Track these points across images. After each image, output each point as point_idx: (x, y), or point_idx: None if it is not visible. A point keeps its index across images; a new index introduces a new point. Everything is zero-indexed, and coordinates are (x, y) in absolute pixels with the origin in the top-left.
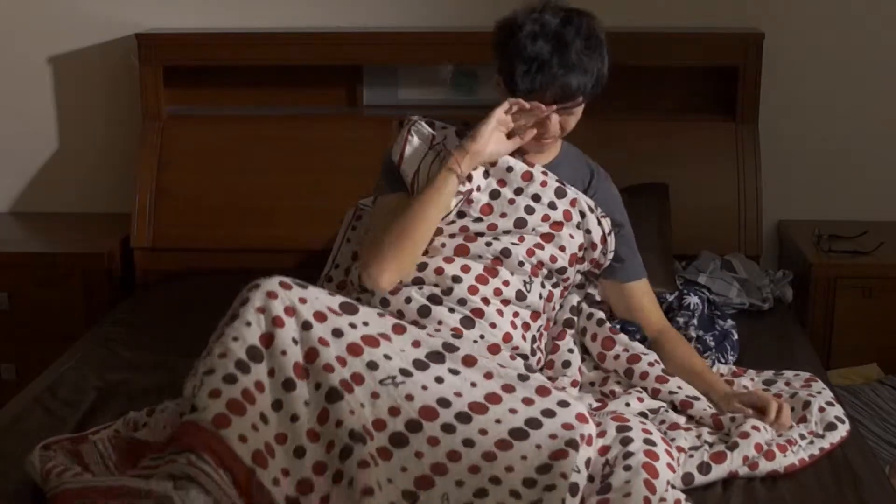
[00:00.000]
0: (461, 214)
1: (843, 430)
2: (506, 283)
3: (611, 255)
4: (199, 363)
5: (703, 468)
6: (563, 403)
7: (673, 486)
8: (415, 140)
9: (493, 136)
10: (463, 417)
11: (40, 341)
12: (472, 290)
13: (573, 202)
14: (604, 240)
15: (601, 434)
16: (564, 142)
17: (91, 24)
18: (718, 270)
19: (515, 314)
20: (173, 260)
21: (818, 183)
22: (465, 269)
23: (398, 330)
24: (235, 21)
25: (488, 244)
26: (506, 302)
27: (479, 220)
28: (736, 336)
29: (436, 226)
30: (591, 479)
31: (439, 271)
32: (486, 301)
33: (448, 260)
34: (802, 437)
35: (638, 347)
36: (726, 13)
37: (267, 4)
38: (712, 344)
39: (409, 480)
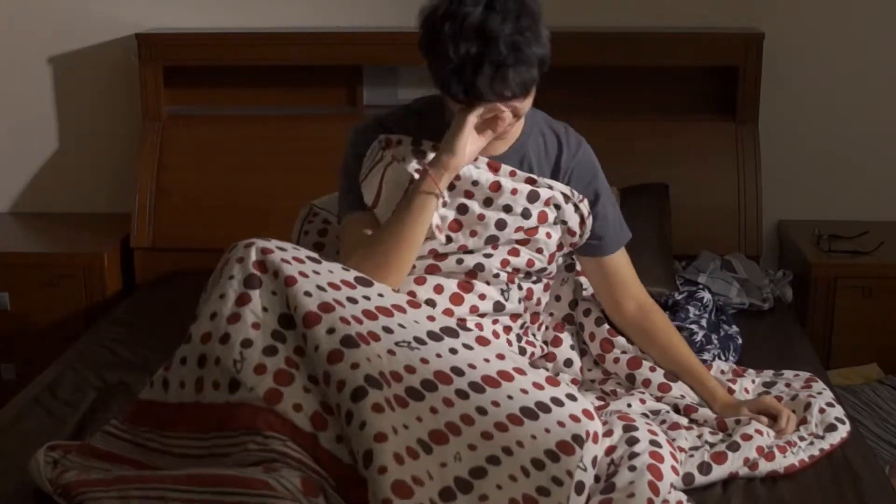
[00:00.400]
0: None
1: (843, 431)
2: (482, 296)
3: (587, 236)
4: (223, 326)
5: (704, 468)
6: (572, 397)
7: (674, 488)
8: (391, 184)
9: (472, 140)
10: (476, 387)
11: (40, 341)
12: (448, 313)
13: (548, 201)
14: (582, 224)
15: (608, 433)
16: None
17: (91, 24)
18: (718, 270)
19: (495, 321)
20: (173, 260)
21: (818, 183)
22: (438, 289)
23: (413, 304)
24: (235, 21)
25: (459, 261)
26: (483, 315)
27: (447, 239)
28: (740, 341)
29: (419, 247)
30: (596, 478)
31: (412, 295)
32: (462, 321)
33: (419, 280)
34: (802, 438)
35: (636, 349)
36: (726, 13)
37: (267, 4)
38: (715, 340)
39: (424, 431)
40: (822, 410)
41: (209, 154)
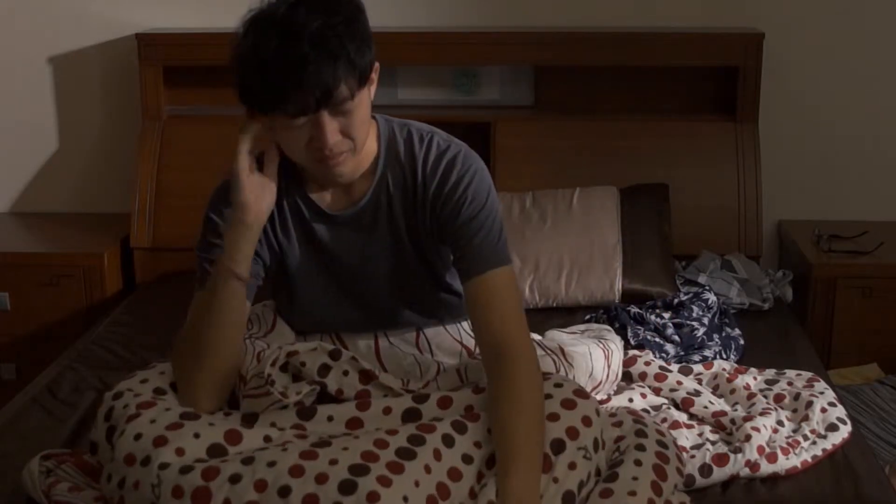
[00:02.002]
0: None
1: (844, 431)
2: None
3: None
4: (147, 448)
5: (705, 470)
6: (558, 385)
7: (677, 489)
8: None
9: (258, 185)
10: (459, 426)
11: (40, 341)
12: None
13: (438, 371)
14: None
15: (618, 424)
16: (382, 137)
17: (91, 24)
18: (718, 270)
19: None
20: (173, 260)
21: (818, 183)
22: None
23: (363, 406)
24: (235, 21)
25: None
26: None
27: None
28: (742, 342)
29: (235, 328)
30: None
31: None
32: (417, 395)
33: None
34: (805, 437)
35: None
36: (726, 13)
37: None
38: (717, 338)
39: (422, 498)
40: (823, 410)
41: (209, 154)
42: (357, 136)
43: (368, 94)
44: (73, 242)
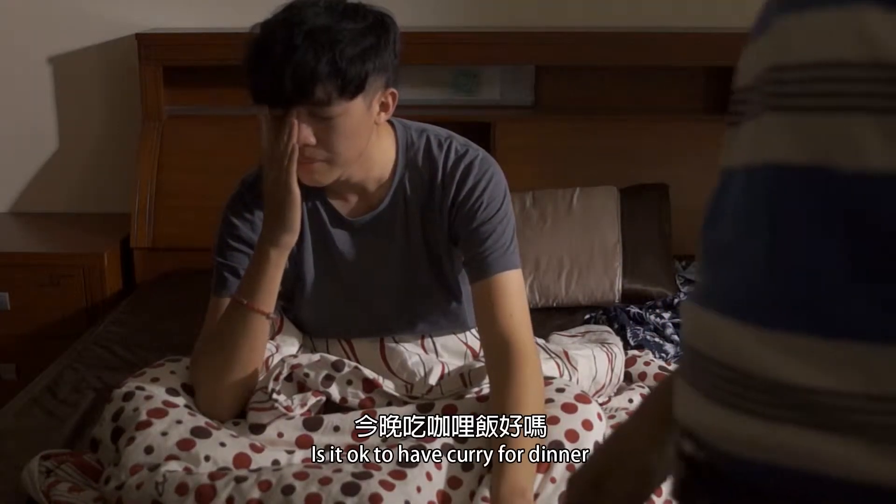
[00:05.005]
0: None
1: None
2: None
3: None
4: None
5: None
6: (560, 389)
7: None
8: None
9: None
10: (459, 437)
11: (40, 341)
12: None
13: (442, 374)
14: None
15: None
16: (400, 143)
17: (91, 24)
18: None
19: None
20: (173, 260)
21: None
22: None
23: (371, 414)
24: (235, 21)
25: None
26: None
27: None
28: None
29: (258, 352)
30: None
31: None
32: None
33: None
34: None
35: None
36: (726, 13)
37: (267, 4)
38: None
39: (423, 503)
40: None
41: (209, 154)
42: (336, 151)
43: (364, 112)
44: (73, 242)
